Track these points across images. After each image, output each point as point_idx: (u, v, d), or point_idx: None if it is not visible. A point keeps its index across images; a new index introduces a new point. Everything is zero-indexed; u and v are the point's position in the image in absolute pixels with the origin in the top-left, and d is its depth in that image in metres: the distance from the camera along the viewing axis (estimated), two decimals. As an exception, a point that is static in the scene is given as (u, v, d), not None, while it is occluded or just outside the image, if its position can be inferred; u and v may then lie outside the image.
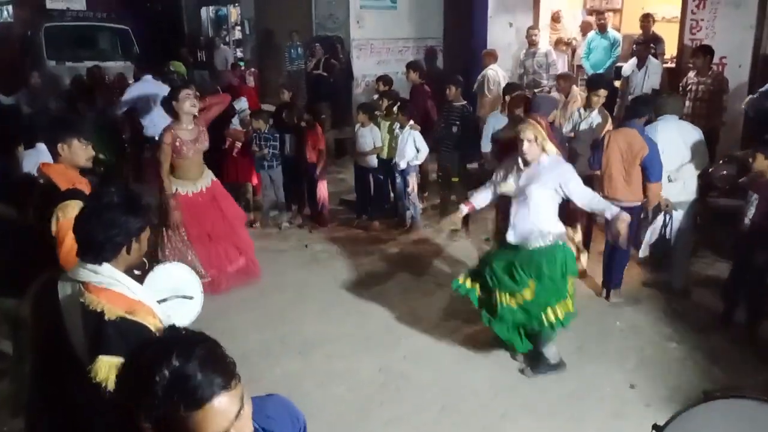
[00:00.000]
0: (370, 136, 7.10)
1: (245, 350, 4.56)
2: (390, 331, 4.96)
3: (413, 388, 4.19)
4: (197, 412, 1.18)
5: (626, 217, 3.96)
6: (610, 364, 4.42)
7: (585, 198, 4.05)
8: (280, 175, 7.29)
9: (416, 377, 4.32)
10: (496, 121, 6.11)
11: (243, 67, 11.87)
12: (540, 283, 4.06)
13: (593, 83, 6.23)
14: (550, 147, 4.03)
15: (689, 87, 7.14)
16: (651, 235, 5.38)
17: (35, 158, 4.11)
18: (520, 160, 4.11)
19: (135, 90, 8.48)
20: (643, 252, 5.49)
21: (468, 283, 4.38)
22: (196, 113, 5.33)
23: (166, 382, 1.17)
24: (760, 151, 4.46)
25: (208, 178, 5.52)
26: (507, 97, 5.90)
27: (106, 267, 2.07)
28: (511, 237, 4.16)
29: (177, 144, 5.20)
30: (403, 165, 6.98)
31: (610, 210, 3.99)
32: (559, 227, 4.14)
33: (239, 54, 15.25)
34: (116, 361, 1.90)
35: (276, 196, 7.40)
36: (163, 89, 8.39)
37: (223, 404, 1.20)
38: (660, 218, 5.33)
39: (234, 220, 5.69)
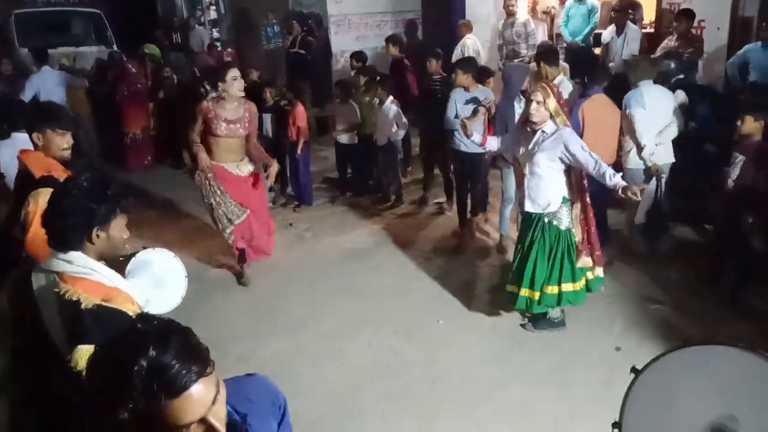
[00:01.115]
0: (348, 113, 7.04)
1: (235, 332, 4.57)
2: (378, 306, 4.96)
3: (404, 363, 4.21)
4: (176, 400, 1.19)
5: (628, 185, 3.84)
6: (598, 330, 4.46)
7: (589, 162, 3.92)
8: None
9: (406, 352, 4.33)
10: (459, 97, 5.82)
11: (220, 48, 11.70)
12: (553, 260, 4.18)
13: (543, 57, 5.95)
14: (558, 112, 4.02)
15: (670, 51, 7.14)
16: (647, 200, 5.39)
17: (11, 148, 4.03)
18: (527, 128, 4.13)
19: (35, 82, 8.28)
20: (639, 219, 5.50)
21: (509, 287, 4.43)
22: (243, 95, 5.05)
23: (144, 373, 1.17)
24: (748, 113, 4.47)
25: (248, 166, 5.21)
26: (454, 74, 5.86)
27: (78, 256, 2.03)
28: (529, 207, 4.22)
29: (210, 116, 4.91)
30: (383, 141, 6.94)
31: (612, 178, 3.85)
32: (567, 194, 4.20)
33: (215, 34, 15.01)
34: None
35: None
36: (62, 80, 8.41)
37: (200, 391, 1.21)
38: (653, 183, 5.35)
39: (262, 201, 5.50)
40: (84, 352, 1.90)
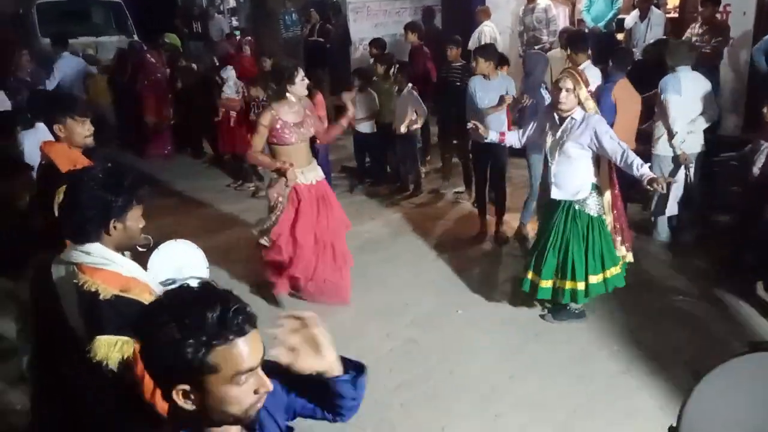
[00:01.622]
0: (366, 102, 7.02)
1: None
2: (396, 296, 4.96)
3: (421, 353, 4.21)
4: (242, 338, 1.27)
5: (655, 177, 3.80)
6: (618, 321, 4.42)
7: (617, 152, 3.86)
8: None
9: (424, 342, 4.33)
10: (480, 85, 5.70)
11: (238, 37, 11.71)
12: (590, 245, 4.14)
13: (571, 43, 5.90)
14: (588, 100, 3.99)
15: (694, 39, 7.01)
16: (677, 190, 5.28)
17: (34, 138, 4.07)
18: (555, 115, 4.09)
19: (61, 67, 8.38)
20: (671, 210, 5.38)
21: (531, 277, 4.36)
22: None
23: (218, 313, 1.25)
24: None
25: (317, 170, 4.72)
26: (474, 61, 5.66)
27: (96, 247, 2.04)
28: (557, 195, 4.19)
29: (278, 127, 4.40)
30: (403, 129, 6.90)
31: (639, 169, 3.78)
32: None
33: (234, 23, 15.02)
34: (114, 339, 1.91)
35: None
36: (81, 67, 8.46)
37: (258, 337, 1.32)
38: (681, 173, 5.26)
39: (338, 226, 4.83)
40: (103, 343, 1.92)
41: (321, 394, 1.65)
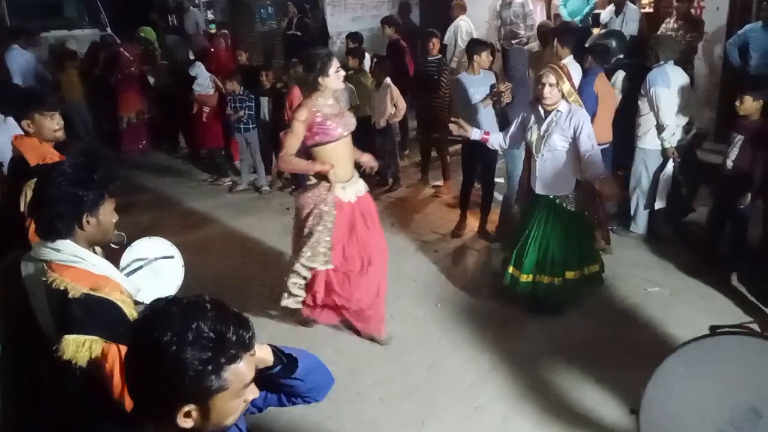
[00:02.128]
0: (345, 96, 6.98)
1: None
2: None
3: (401, 348, 4.20)
4: (245, 358, 1.27)
5: (610, 180, 3.95)
6: (595, 314, 4.45)
7: (589, 151, 3.92)
8: (257, 138, 7.20)
9: (404, 336, 4.32)
10: (469, 82, 5.63)
11: (214, 31, 11.58)
12: (570, 241, 4.19)
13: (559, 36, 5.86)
14: (571, 93, 4.03)
15: (669, 33, 7.08)
16: (665, 184, 5.36)
17: (5, 133, 3.98)
18: (540, 108, 4.11)
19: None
20: (660, 203, 5.44)
21: (512, 271, 4.39)
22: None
23: (232, 332, 1.25)
24: (747, 93, 4.43)
25: (360, 182, 4.13)
26: (476, 57, 5.63)
27: (67, 244, 2.00)
28: (541, 190, 4.23)
29: (318, 120, 3.78)
30: (382, 123, 6.89)
31: (598, 169, 3.90)
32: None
33: (210, 16, 14.85)
34: (82, 339, 1.87)
35: (253, 159, 7.32)
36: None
37: (255, 351, 1.34)
38: (670, 167, 5.30)
39: (381, 250, 4.22)
40: (71, 342, 1.88)
41: (274, 385, 1.65)
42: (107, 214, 2.09)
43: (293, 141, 3.84)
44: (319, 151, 3.87)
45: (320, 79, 3.81)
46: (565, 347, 4.11)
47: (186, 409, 1.23)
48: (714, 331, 2.10)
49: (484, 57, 5.56)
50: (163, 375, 1.21)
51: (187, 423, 1.25)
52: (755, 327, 2.46)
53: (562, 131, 4.01)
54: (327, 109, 3.85)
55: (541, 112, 4.12)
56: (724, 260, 4.87)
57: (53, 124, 3.31)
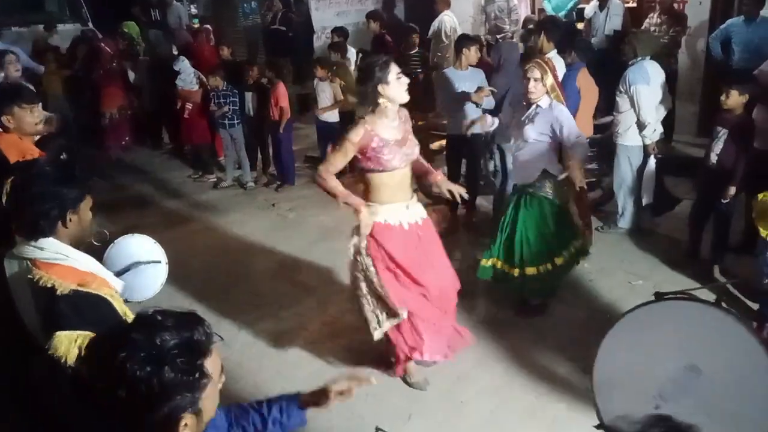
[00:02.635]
0: (329, 91, 6.96)
1: (217, 314, 4.53)
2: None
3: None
4: (211, 355, 1.31)
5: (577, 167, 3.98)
6: (580, 307, 4.48)
7: (570, 144, 3.97)
8: (241, 133, 7.16)
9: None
10: (456, 77, 5.61)
11: (197, 25, 11.50)
12: (547, 228, 4.19)
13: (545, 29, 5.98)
14: (554, 89, 4.06)
15: (652, 28, 7.12)
16: (649, 179, 5.37)
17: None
18: (524, 102, 4.18)
19: None
20: (647, 199, 5.45)
21: (490, 262, 4.40)
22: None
23: (201, 331, 1.30)
24: (734, 87, 4.46)
25: (418, 206, 3.62)
26: (465, 51, 5.62)
27: (50, 242, 1.98)
28: (517, 179, 4.29)
29: (374, 146, 3.28)
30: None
31: (575, 157, 3.96)
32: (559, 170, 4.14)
33: (193, 11, 14.74)
34: (74, 335, 1.86)
35: (238, 155, 7.29)
36: None
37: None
38: (652, 161, 5.32)
39: (448, 281, 3.70)
40: (63, 338, 1.87)
41: (261, 422, 1.81)
42: (86, 210, 2.08)
43: (338, 160, 3.39)
44: (374, 178, 3.40)
45: (380, 88, 3.25)
46: (551, 341, 4.13)
47: (184, 422, 1.24)
48: (659, 297, 2.22)
49: (473, 52, 5.56)
50: (156, 404, 1.21)
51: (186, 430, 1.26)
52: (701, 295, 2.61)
53: (538, 125, 4.06)
54: (388, 132, 3.32)
55: (524, 104, 4.19)
56: (707, 253, 4.92)
57: (34, 117, 3.27)
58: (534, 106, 4.09)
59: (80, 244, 2.10)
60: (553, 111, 4.04)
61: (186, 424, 1.24)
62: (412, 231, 3.49)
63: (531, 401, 3.63)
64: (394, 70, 3.28)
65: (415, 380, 3.74)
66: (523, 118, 4.16)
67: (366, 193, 3.47)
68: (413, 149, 3.44)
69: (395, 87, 3.27)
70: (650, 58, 5.22)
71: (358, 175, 3.54)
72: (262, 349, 4.25)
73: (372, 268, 3.44)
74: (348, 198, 3.42)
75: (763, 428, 1.71)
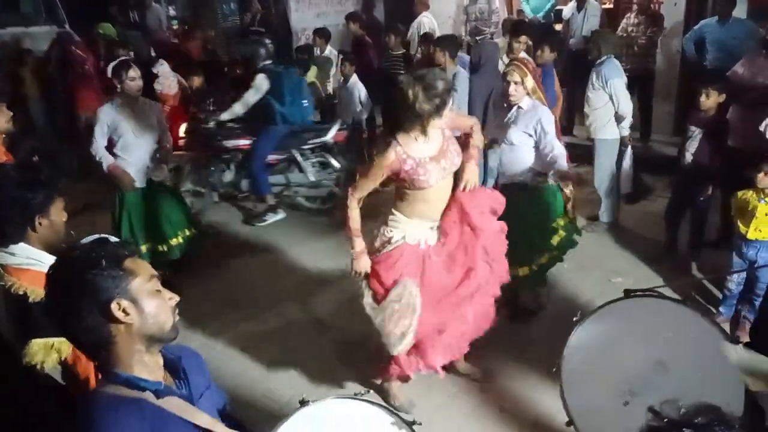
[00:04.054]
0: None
1: (198, 317, 4.51)
2: (341, 288, 4.95)
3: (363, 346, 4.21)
4: (130, 258, 1.53)
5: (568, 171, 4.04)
6: (560, 304, 4.51)
7: (555, 150, 3.90)
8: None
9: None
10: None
11: (176, 27, 11.41)
12: (531, 225, 4.14)
13: (514, 29, 6.09)
14: (535, 90, 4.05)
15: (630, 29, 7.20)
16: (628, 170, 5.51)
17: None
18: (505, 104, 4.17)
19: None
20: (626, 188, 5.61)
21: None
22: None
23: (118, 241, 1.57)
24: (713, 88, 4.54)
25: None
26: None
27: (21, 247, 1.96)
28: (503, 180, 4.27)
29: (408, 168, 3.06)
30: (348, 119, 6.89)
31: (557, 163, 3.91)
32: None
33: (172, 12, 14.62)
34: (50, 341, 1.84)
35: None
36: None
37: (138, 260, 1.57)
38: (629, 152, 5.44)
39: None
40: (40, 346, 1.85)
41: None
42: (58, 213, 2.06)
43: (367, 184, 3.18)
44: (409, 194, 3.20)
45: (433, 120, 3.01)
46: (532, 339, 4.18)
47: (119, 301, 1.45)
48: (627, 294, 2.26)
49: (438, 52, 5.62)
50: (91, 285, 1.45)
51: (127, 318, 1.46)
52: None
53: (521, 127, 4.05)
54: (421, 151, 3.07)
55: (506, 106, 4.19)
56: (684, 250, 5.00)
57: (2, 116, 3.27)
58: (515, 108, 4.09)
59: (54, 247, 2.09)
60: (536, 111, 4.02)
61: (123, 309, 1.45)
62: (428, 251, 3.27)
63: (511, 397, 3.66)
64: (450, 102, 3.13)
65: (400, 403, 3.60)
66: (505, 120, 4.16)
67: (396, 201, 3.28)
68: (453, 161, 3.16)
69: (444, 119, 3.07)
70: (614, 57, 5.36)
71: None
72: (243, 350, 4.24)
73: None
74: (356, 240, 3.26)
75: None
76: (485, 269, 3.29)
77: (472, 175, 3.27)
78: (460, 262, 3.26)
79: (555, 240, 4.25)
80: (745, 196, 3.93)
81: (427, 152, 3.08)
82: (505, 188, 4.23)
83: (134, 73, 4.51)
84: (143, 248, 4.80)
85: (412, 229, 3.25)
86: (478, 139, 3.42)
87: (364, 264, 3.29)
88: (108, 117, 4.58)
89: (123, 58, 4.74)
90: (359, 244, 3.28)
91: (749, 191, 3.90)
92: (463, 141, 3.39)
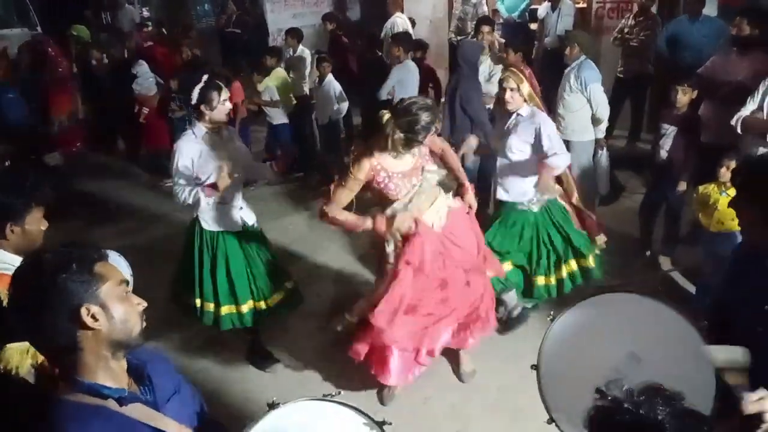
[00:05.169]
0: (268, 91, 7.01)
1: (182, 319, 4.47)
2: (323, 288, 4.95)
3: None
4: (110, 258, 1.55)
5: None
6: (540, 305, 4.54)
7: (554, 148, 3.83)
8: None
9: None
10: (401, 73, 6.00)
11: (150, 28, 11.30)
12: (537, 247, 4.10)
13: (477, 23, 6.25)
14: (532, 96, 3.95)
15: (626, 30, 7.08)
16: (604, 172, 5.58)
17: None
18: (502, 112, 4.07)
19: None
20: (604, 189, 5.67)
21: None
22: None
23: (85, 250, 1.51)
24: (689, 85, 4.59)
25: (448, 200, 3.53)
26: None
27: None
28: (503, 196, 4.11)
29: (380, 180, 3.28)
30: (324, 120, 6.89)
31: (554, 165, 3.85)
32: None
33: (145, 13, 14.48)
34: (25, 346, 1.82)
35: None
36: None
37: (111, 264, 1.56)
38: (605, 154, 5.51)
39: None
40: (15, 350, 1.83)
41: None
42: (35, 222, 2.03)
43: (343, 196, 3.30)
44: (380, 199, 3.40)
45: (414, 148, 3.26)
46: (515, 335, 4.21)
47: (88, 306, 1.43)
48: (599, 290, 2.37)
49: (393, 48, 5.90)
50: (59, 292, 1.43)
51: (95, 324, 1.44)
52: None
53: (522, 135, 3.93)
54: (396, 167, 3.29)
55: (504, 113, 4.05)
56: (659, 245, 5.08)
57: None
58: (514, 116, 3.97)
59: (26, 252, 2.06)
60: (536, 119, 3.91)
61: (92, 315, 1.43)
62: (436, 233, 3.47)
63: (494, 395, 3.70)
64: (433, 130, 3.28)
65: (383, 393, 3.75)
66: (504, 128, 4.02)
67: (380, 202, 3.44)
68: (427, 176, 3.38)
69: (426, 145, 3.37)
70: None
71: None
72: (224, 354, 4.22)
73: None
74: (366, 222, 3.33)
75: (700, 408, 1.81)
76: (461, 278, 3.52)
77: (472, 201, 3.64)
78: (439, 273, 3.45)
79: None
80: (707, 190, 4.01)
81: (400, 168, 3.29)
82: (504, 205, 4.16)
83: (226, 94, 3.65)
84: (244, 308, 3.89)
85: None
86: (455, 163, 3.70)
87: (383, 221, 3.32)
88: (193, 151, 3.57)
89: (208, 77, 3.66)
90: (366, 220, 3.34)
91: (711, 185, 3.99)
92: (449, 171, 3.63)
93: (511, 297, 4.23)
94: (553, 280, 4.18)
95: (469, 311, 3.60)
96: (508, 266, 4.16)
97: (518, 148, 3.96)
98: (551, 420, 2.14)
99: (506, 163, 4.05)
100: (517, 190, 4.07)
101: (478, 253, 3.63)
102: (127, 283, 1.54)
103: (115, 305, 1.48)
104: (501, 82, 3.99)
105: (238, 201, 3.79)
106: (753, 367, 1.97)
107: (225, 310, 3.83)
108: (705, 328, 2.05)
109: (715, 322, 2.21)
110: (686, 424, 1.12)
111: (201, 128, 3.60)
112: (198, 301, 3.83)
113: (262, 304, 3.91)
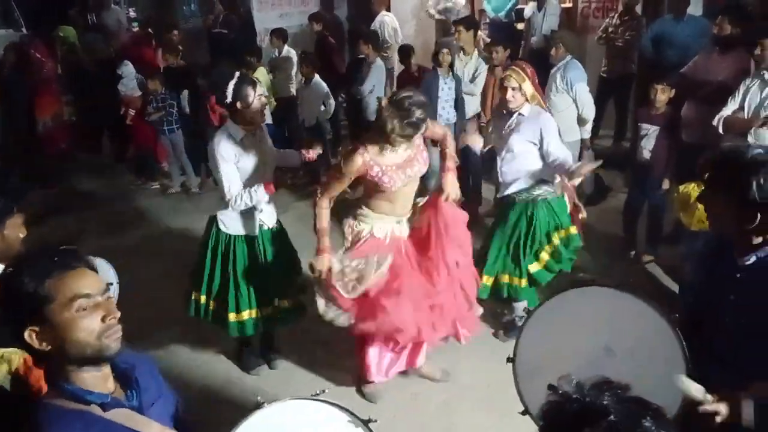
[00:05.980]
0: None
1: (168, 319, 4.47)
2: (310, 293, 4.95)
3: (341, 339, 4.22)
4: (74, 271, 1.47)
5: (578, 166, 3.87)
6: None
7: (560, 155, 3.78)
8: (181, 138, 7.06)
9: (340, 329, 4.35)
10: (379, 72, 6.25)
11: (137, 28, 11.26)
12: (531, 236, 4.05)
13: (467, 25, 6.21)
14: (534, 96, 3.90)
15: (610, 29, 7.13)
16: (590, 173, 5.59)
17: None
18: (503, 111, 4.02)
19: None
20: (589, 188, 5.76)
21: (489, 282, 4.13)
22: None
23: (49, 256, 1.48)
24: (668, 83, 4.64)
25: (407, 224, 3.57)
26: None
27: None
28: (504, 191, 4.10)
29: (374, 174, 3.25)
30: (311, 121, 6.90)
31: (565, 165, 3.77)
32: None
33: (132, 14, 14.40)
34: (2, 351, 1.81)
35: (179, 161, 7.19)
36: None
37: (94, 275, 1.52)
38: (590, 155, 5.55)
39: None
40: None
41: None
42: (13, 228, 2.02)
43: (335, 188, 3.36)
44: (374, 193, 3.40)
45: (405, 141, 3.20)
46: (485, 336, 4.24)
47: (30, 328, 1.41)
48: (574, 284, 2.41)
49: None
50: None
51: (42, 345, 1.43)
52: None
53: (523, 134, 3.88)
54: (389, 159, 3.26)
55: (505, 113, 4.01)
56: (642, 244, 5.13)
57: None
58: (516, 115, 3.90)
59: (3, 261, 2.05)
60: (539, 118, 3.85)
61: (36, 337, 1.42)
62: (392, 245, 3.45)
63: (483, 392, 3.72)
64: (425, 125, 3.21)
65: (368, 390, 3.79)
66: (505, 127, 3.97)
67: (365, 198, 3.46)
68: (419, 169, 3.37)
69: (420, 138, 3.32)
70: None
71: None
72: (209, 354, 4.22)
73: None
74: (321, 239, 3.41)
75: (671, 400, 1.85)
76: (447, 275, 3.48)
77: (453, 187, 3.42)
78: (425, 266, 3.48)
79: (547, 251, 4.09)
80: (687, 189, 4.05)
81: (394, 160, 3.27)
82: (506, 200, 4.14)
83: (261, 89, 3.49)
84: (251, 313, 3.83)
85: (378, 223, 3.44)
86: (452, 149, 3.60)
87: (324, 262, 3.38)
88: (231, 152, 3.47)
89: (240, 72, 3.52)
90: (324, 242, 3.41)
91: (691, 184, 4.02)
92: (441, 153, 3.61)
93: (521, 307, 4.16)
94: (516, 281, 4.11)
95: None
96: (523, 282, 4.12)
97: (520, 148, 3.91)
98: (525, 411, 2.17)
99: (506, 160, 4.02)
100: (516, 186, 4.03)
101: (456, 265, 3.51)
102: (87, 295, 1.46)
103: (65, 325, 1.43)
104: (502, 80, 3.96)
105: (261, 204, 3.71)
106: (721, 356, 2.03)
107: (232, 317, 3.79)
108: (676, 321, 2.09)
109: (690, 314, 2.24)
110: (631, 410, 1.14)
111: (238, 130, 3.46)
112: (204, 299, 3.83)
113: (266, 312, 3.86)
